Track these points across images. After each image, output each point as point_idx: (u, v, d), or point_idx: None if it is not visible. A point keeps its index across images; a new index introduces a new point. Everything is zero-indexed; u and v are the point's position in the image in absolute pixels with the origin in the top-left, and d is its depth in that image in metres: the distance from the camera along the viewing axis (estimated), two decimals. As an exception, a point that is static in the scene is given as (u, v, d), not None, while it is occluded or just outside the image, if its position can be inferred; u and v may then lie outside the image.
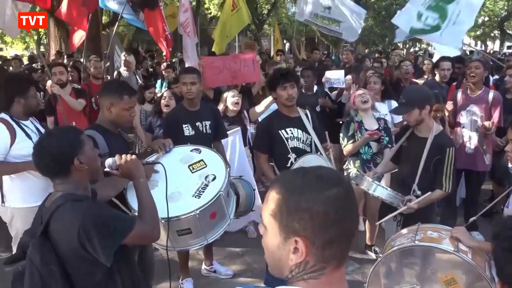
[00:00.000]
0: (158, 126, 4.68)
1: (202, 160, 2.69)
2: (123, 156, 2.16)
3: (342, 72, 6.21)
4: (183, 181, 2.54)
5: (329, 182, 1.00)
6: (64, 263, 1.74)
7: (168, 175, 2.27)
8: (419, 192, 3.17)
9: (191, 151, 2.84)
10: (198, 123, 3.72)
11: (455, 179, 3.21)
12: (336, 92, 6.11)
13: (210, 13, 23.10)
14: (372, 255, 4.42)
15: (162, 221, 2.29)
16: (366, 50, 22.42)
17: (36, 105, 3.48)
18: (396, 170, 3.69)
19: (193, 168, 2.62)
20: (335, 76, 6.11)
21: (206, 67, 5.13)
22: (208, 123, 3.77)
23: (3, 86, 3.33)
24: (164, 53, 6.95)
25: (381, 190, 3.22)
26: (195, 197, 2.43)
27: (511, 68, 5.23)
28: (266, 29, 26.88)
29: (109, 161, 2.16)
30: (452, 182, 3.17)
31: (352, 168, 4.21)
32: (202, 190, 2.46)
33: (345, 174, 4.31)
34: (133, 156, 2.17)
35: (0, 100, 3.30)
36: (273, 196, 1.02)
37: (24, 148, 3.18)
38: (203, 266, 4.14)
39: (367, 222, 4.54)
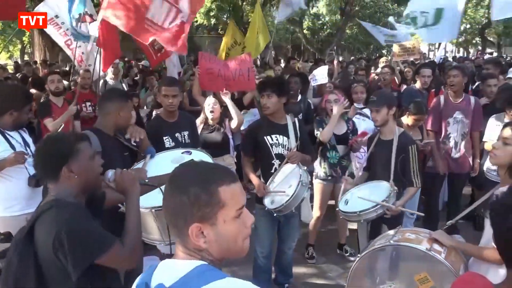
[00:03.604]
0: None
1: (192, 160, 2.80)
2: (123, 170, 2.10)
3: (326, 67, 6.73)
4: None
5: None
6: (42, 267, 1.74)
7: (159, 173, 2.39)
8: (395, 188, 3.32)
9: (182, 153, 3.00)
10: (177, 134, 3.74)
11: (421, 174, 3.45)
12: (318, 99, 6.25)
13: (197, 21, 23.15)
14: (343, 254, 4.65)
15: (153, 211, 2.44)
16: (352, 58, 22.72)
17: (26, 121, 3.49)
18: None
19: None
20: (320, 72, 6.59)
21: (202, 72, 5.16)
22: (186, 133, 3.80)
23: (2, 96, 3.32)
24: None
25: (367, 215, 3.25)
26: None
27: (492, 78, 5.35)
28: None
29: (108, 173, 2.10)
30: (420, 178, 3.41)
31: (319, 169, 4.36)
32: None
33: (314, 173, 4.44)
34: (132, 173, 2.12)
35: None
36: None
37: None
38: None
39: (337, 221, 4.69)
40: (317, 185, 4.42)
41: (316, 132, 4.28)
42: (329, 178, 4.33)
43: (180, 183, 1.20)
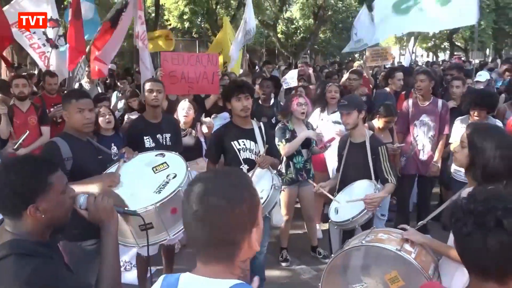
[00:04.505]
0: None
1: (165, 162, 2.83)
2: (98, 197, 1.81)
3: (296, 71, 7.06)
4: (146, 181, 2.69)
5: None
6: None
7: (133, 177, 2.40)
8: (379, 185, 3.45)
9: (156, 155, 2.98)
10: (158, 135, 3.76)
11: (395, 171, 3.61)
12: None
13: (170, 24, 22.97)
14: (317, 256, 4.69)
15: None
16: (327, 62, 22.99)
17: None
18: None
19: (156, 169, 2.76)
20: (290, 76, 6.83)
21: (165, 75, 5.06)
22: (168, 135, 3.81)
23: None
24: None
25: (360, 219, 3.29)
26: (156, 192, 2.55)
27: (456, 80, 5.52)
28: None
29: (79, 198, 1.82)
30: (394, 175, 3.55)
31: (285, 175, 4.40)
32: (162, 186, 2.59)
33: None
34: (109, 200, 1.82)
35: None
36: None
37: None
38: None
39: (305, 224, 4.74)
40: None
41: (277, 141, 4.23)
42: (295, 182, 4.41)
43: (234, 194, 1.13)
